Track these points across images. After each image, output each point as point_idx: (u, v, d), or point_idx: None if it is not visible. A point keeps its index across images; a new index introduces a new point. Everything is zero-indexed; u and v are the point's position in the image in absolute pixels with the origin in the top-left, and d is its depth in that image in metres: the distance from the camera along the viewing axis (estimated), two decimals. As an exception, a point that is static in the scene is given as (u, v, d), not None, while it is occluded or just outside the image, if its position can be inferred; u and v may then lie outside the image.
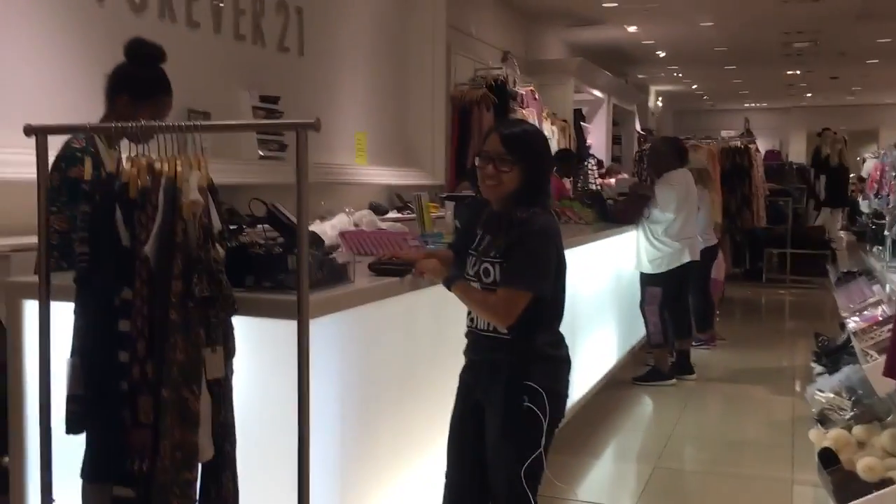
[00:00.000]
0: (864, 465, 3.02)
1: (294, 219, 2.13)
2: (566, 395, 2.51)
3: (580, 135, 10.13)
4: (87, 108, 3.72)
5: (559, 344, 2.48)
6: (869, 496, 2.94)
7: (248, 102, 4.91)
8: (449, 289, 2.45)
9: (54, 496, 2.12)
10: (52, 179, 2.53)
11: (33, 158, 2.15)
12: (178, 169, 1.91)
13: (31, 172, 2.17)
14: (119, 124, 2.06)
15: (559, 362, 2.47)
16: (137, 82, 2.57)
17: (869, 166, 4.32)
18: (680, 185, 5.60)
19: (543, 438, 2.35)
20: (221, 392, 1.93)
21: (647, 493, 3.89)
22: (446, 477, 2.54)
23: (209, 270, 1.85)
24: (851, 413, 3.39)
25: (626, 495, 3.91)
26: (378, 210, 4.21)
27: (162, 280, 1.83)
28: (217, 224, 1.96)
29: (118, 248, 1.88)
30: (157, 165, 1.94)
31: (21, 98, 3.56)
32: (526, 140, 2.44)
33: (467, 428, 2.50)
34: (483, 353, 2.47)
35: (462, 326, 2.55)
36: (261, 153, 5.04)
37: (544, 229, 2.38)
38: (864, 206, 4.25)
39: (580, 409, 4.77)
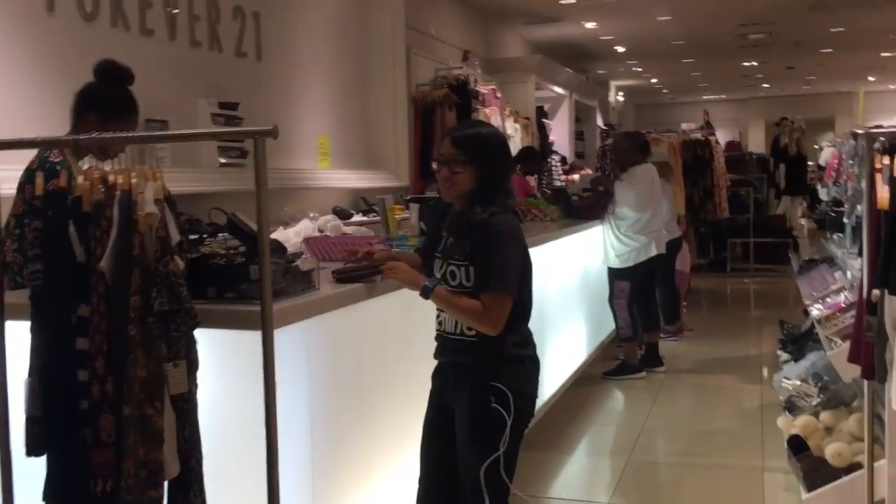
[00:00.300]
0: (833, 450, 3.06)
1: (255, 227, 2.10)
2: (534, 396, 2.49)
3: (543, 132, 10.17)
4: (39, 121, 3.64)
5: (526, 344, 2.46)
6: (838, 481, 2.98)
7: (207, 110, 4.84)
8: (427, 297, 2.38)
9: (17, 521, 2.07)
10: (26, 192, 2.48)
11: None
12: (133, 181, 1.87)
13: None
14: (74, 136, 2.02)
15: (526, 362, 2.45)
16: (107, 102, 2.59)
17: (826, 154, 4.38)
18: (644, 180, 5.64)
19: (508, 439, 2.34)
20: (186, 407, 1.89)
21: (621, 487, 3.91)
22: (419, 481, 2.53)
23: (168, 284, 1.81)
24: (818, 399, 3.43)
25: (600, 490, 3.92)
26: (342, 214, 4.17)
27: (119, 295, 1.79)
28: (175, 236, 1.92)
29: (73, 265, 1.83)
30: (112, 178, 1.90)
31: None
32: (476, 140, 2.43)
33: (438, 431, 2.48)
34: (450, 354, 2.46)
35: (431, 328, 2.54)
36: (221, 160, 4.97)
37: (507, 230, 2.38)
38: (822, 193, 4.31)
39: (551, 406, 4.77)
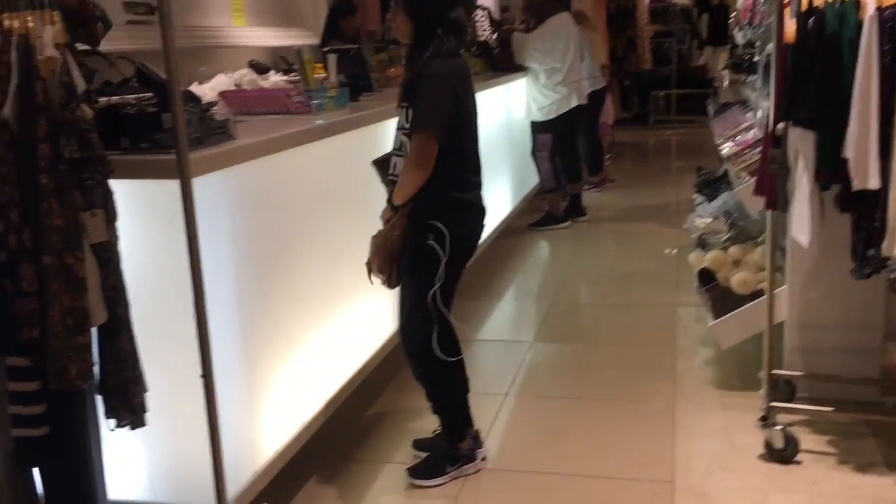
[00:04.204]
0: (738, 279, 3.25)
1: (165, 76, 2.05)
2: (472, 236, 2.62)
3: (466, -15, 9.89)
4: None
5: (466, 188, 2.56)
6: (742, 307, 3.19)
7: (107, -38, 4.55)
8: (396, 208, 2.49)
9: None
10: None
11: None
12: (30, 24, 1.79)
13: None
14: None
15: (463, 207, 2.56)
16: None
17: (742, -2, 4.42)
18: (556, 30, 5.59)
19: (444, 274, 2.47)
20: (108, 256, 1.90)
21: (545, 326, 4.11)
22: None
23: (77, 131, 1.77)
24: (728, 235, 3.59)
25: (525, 330, 4.12)
26: (259, 68, 4.05)
27: (26, 144, 1.75)
28: (81, 83, 1.86)
29: (-27, 114, 1.77)
30: (7, 23, 1.81)
31: None
32: None
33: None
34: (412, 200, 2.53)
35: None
36: (128, 17, 4.73)
37: (437, 72, 2.43)
38: (739, 37, 4.36)
39: (479, 257, 4.90)
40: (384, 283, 2.59)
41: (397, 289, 2.65)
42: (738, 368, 3.41)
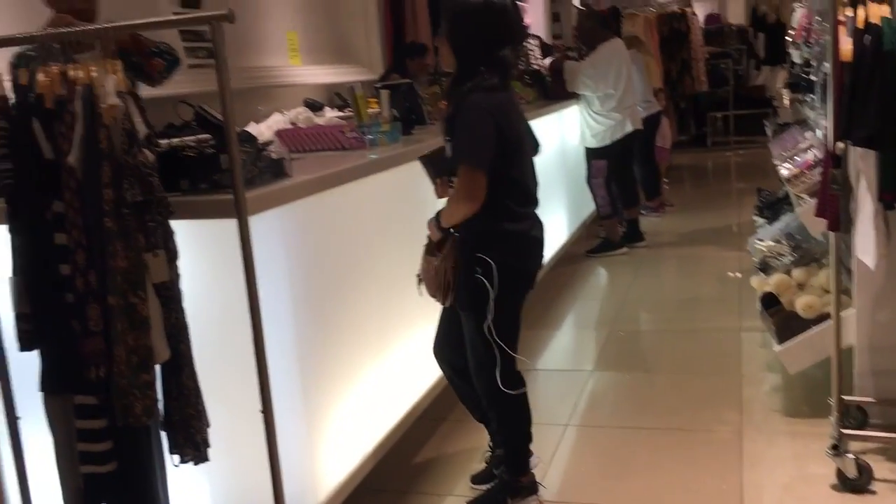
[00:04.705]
0: (803, 303, 3.16)
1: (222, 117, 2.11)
2: (524, 269, 2.56)
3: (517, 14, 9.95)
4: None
5: (515, 220, 2.50)
6: (808, 332, 3.10)
7: (168, 9, 4.73)
8: (446, 231, 2.49)
9: (19, 414, 2.16)
10: None
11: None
12: (94, 74, 1.87)
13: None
14: (17, 35, 1.99)
15: (516, 236, 2.50)
16: None
17: (798, 16, 4.32)
18: (608, 57, 5.57)
19: (495, 308, 2.43)
20: (170, 295, 1.95)
21: (605, 354, 4.06)
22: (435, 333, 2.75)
23: (139, 175, 1.83)
24: (790, 258, 3.51)
25: (585, 359, 4.07)
26: (314, 107, 4.14)
27: (91, 189, 1.82)
28: (142, 129, 1.93)
29: (42, 162, 1.85)
30: (72, 73, 1.89)
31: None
32: (446, 8, 2.45)
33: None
34: (460, 231, 2.52)
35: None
36: (189, 62, 4.89)
37: (477, 105, 2.39)
38: (795, 56, 4.28)
39: (537, 285, 4.89)
40: (437, 300, 2.60)
41: (437, 315, 2.67)
42: (807, 395, 3.31)
